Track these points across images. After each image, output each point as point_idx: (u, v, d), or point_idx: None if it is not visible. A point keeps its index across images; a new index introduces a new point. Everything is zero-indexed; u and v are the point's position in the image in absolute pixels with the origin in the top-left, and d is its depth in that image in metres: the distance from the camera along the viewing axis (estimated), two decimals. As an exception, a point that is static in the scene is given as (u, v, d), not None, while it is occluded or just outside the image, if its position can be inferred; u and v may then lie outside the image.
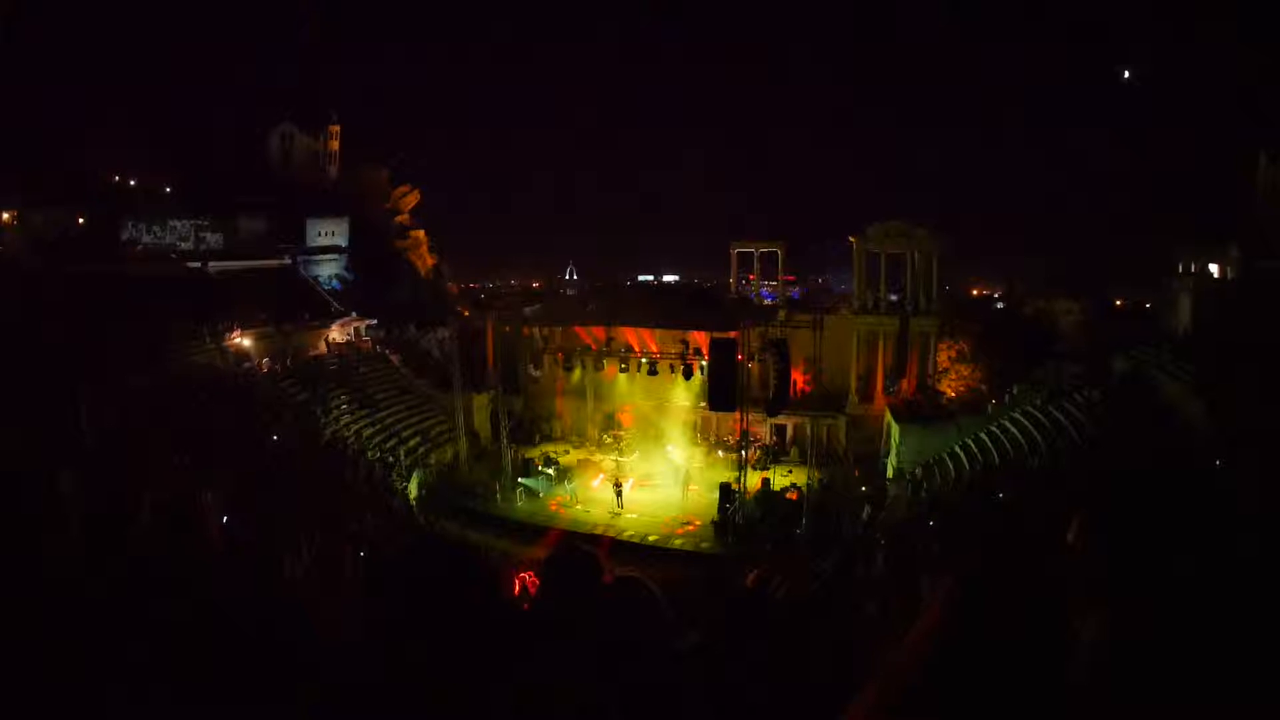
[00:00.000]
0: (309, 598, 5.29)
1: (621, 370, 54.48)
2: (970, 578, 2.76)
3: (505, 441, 51.37)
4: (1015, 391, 51.17)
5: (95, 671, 3.35)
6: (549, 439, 60.96)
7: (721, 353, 45.17)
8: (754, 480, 47.22)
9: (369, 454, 47.81)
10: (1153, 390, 42.17)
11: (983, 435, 47.40)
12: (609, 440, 57.62)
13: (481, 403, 57.67)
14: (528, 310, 67.33)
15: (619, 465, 51.06)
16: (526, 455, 53.33)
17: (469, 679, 3.22)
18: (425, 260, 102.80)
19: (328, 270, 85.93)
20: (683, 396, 57.27)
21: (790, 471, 51.52)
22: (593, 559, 4.35)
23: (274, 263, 74.14)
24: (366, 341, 66.07)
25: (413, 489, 46.64)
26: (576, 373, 56.77)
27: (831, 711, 2.97)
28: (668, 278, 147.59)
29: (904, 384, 57.31)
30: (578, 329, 56.69)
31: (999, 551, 2.96)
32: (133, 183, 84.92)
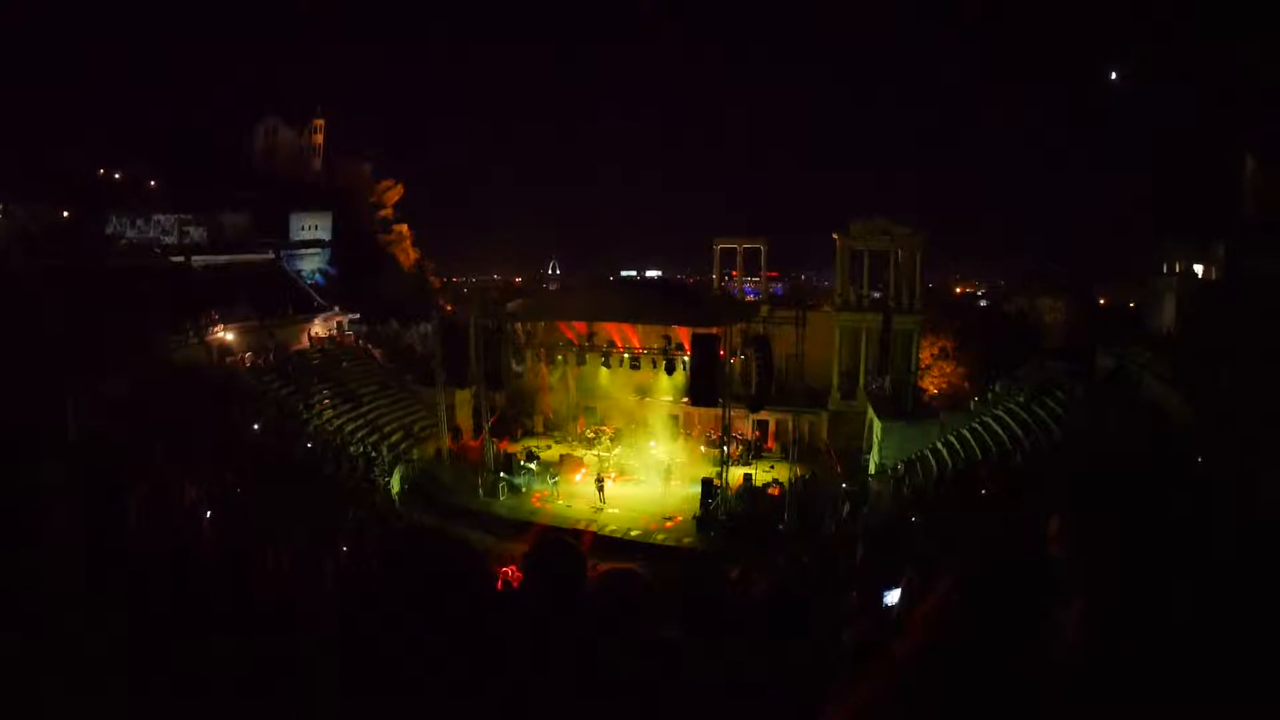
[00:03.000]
0: (292, 592, 5.31)
1: (604, 365, 54.51)
2: (970, 577, 2.80)
3: (487, 436, 51.36)
4: (998, 388, 51.33)
5: (91, 664, 3.37)
6: (531, 434, 60.90)
7: (703, 348, 45.20)
8: (736, 476, 47.33)
9: (351, 449, 47.70)
10: (1135, 388, 42.34)
11: (965, 432, 47.51)
12: (591, 435, 57.64)
13: (464, 398, 57.60)
14: (510, 305, 67.22)
15: (601, 460, 51.04)
16: (508, 450, 53.25)
17: (457, 668, 3.25)
18: (408, 255, 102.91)
19: (311, 264, 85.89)
20: (665, 392, 57.25)
21: (772, 467, 51.61)
22: (575, 551, 4.39)
23: (258, 257, 73.91)
24: (349, 336, 65.93)
25: (395, 484, 46.59)
26: (559, 368, 56.81)
27: (810, 702, 3.01)
28: (650, 273, 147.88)
29: (885, 381, 57.32)
30: (560, 324, 56.60)
31: (999, 552, 3.00)
32: (117, 176, 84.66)
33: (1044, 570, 3.04)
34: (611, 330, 54.73)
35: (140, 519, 4.53)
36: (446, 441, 52.89)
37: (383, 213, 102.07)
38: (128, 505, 4.41)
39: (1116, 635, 2.88)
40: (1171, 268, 59.62)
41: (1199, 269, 57.31)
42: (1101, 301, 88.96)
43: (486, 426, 51.64)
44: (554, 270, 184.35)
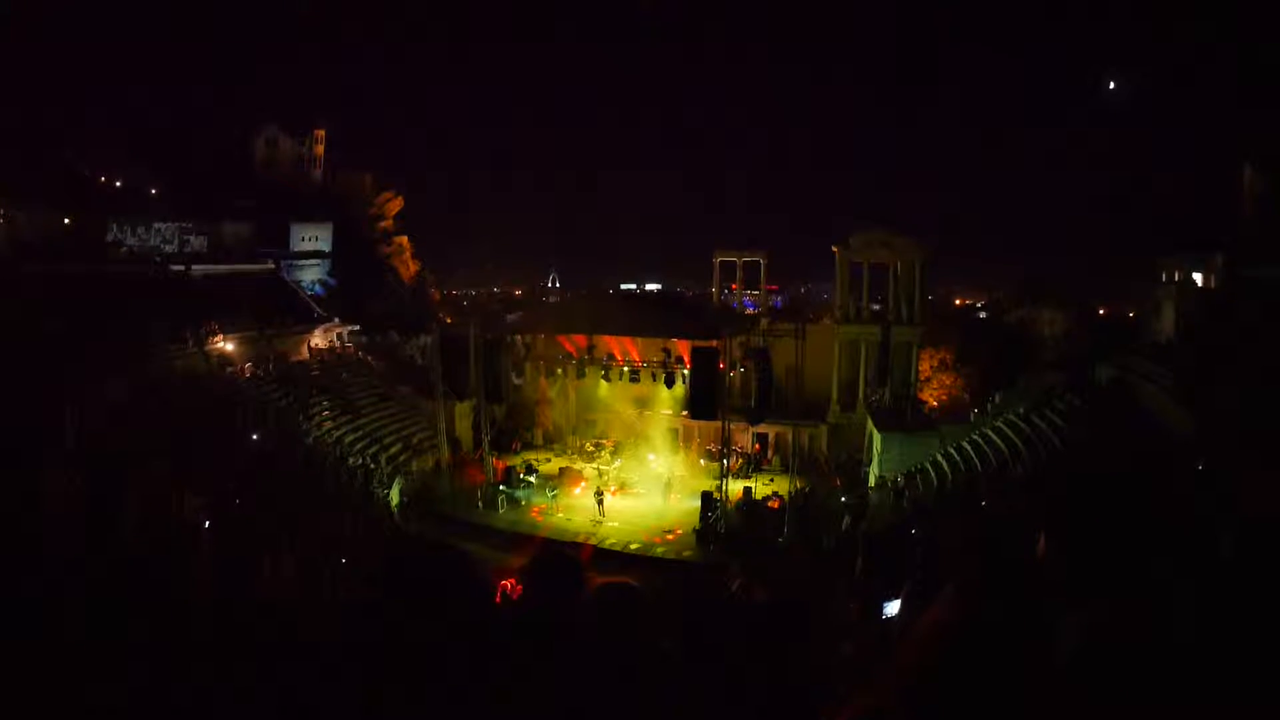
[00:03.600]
0: (291, 600, 5.32)
1: (603, 379, 54.52)
2: (971, 585, 2.80)
3: (487, 449, 51.32)
4: (997, 400, 51.28)
5: (88, 667, 3.37)
6: (531, 447, 60.81)
7: (703, 361, 45.23)
8: (735, 489, 47.19)
9: (350, 460, 47.62)
10: (1135, 397, 42.33)
11: (965, 444, 47.44)
12: (591, 448, 57.58)
13: (463, 410, 57.55)
14: (510, 318, 67.22)
15: (601, 473, 50.96)
16: (508, 463, 53.17)
17: (456, 677, 3.24)
18: (408, 266, 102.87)
19: (311, 275, 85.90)
20: (665, 405, 57.25)
21: (772, 480, 51.53)
22: (574, 563, 4.37)
23: (258, 267, 73.81)
24: (349, 347, 65.88)
25: (394, 496, 46.49)
26: (559, 381, 56.85)
27: (809, 711, 3.00)
28: (650, 286, 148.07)
29: (885, 393, 57.25)
30: (560, 337, 56.69)
31: (998, 559, 2.99)
32: (118, 184, 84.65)
33: (1044, 578, 3.04)
34: (611, 343, 54.76)
35: (138, 525, 4.55)
36: (445, 454, 52.84)
37: (383, 224, 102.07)
38: (126, 511, 4.42)
39: (1116, 641, 2.87)
40: (1170, 276, 59.60)
41: (1198, 277, 57.28)
42: (1101, 312, 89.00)
43: (486, 439, 51.65)
44: (554, 283, 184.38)
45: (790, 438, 55.02)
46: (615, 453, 55.49)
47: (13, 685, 3.23)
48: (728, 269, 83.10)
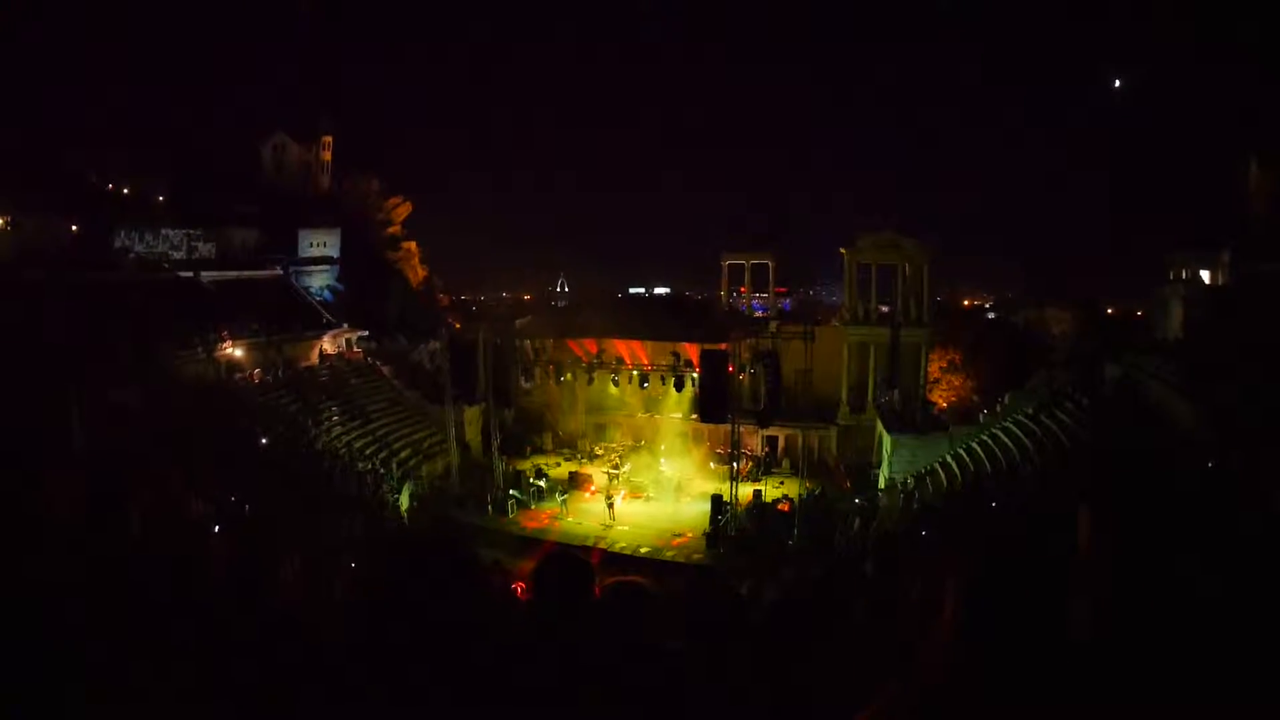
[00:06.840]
0: (301, 604, 5.29)
1: (613, 382, 54.51)
2: (973, 579, 2.80)
3: (496, 453, 51.35)
4: (1007, 401, 51.15)
5: (93, 672, 3.35)
6: (540, 451, 60.77)
7: (712, 364, 45.21)
8: (746, 492, 47.17)
9: (360, 465, 47.62)
10: (1144, 396, 42.19)
11: (974, 445, 47.35)
12: (600, 452, 57.58)
13: (473, 415, 57.56)
14: (519, 322, 67.23)
15: (611, 477, 50.91)
16: (518, 467, 53.22)
17: (463, 676, 3.24)
18: (417, 272, 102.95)
19: (319, 281, 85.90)
20: (674, 408, 57.27)
21: (782, 483, 51.38)
22: (582, 563, 4.36)
23: (266, 273, 74.01)
24: (358, 353, 65.94)
25: (404, 501, 46.51)
26: (568, 385, 56.82)
27: (816, 712, 3.00)
28: (659, 290, 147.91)
29: (894, 395, 57.09)
30: (569, 341, 56.79)
31: (1001, 554, 2.99)
32: (125, 191, 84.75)
33: (1050, 569, 3.03)
34: (620, 347, 54.83)
35: (144, 529, 4.52)
36: (455, 458, 52.89)
37: (391, 230, 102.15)
38: (131, 515, 4.39)
39: (1134, 626, 2.87)
40: (1178, 274, 59.50)
41: (1206, 275, 57.16)
42: (1109, 311, 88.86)
43: (495, 444, 51.70)
44: (562, 287, 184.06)
45: (800, 440, 55.02)
46: (625, 456, 55.40)
47: (13, 686, 3.22)
48: (736, 272, 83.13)
